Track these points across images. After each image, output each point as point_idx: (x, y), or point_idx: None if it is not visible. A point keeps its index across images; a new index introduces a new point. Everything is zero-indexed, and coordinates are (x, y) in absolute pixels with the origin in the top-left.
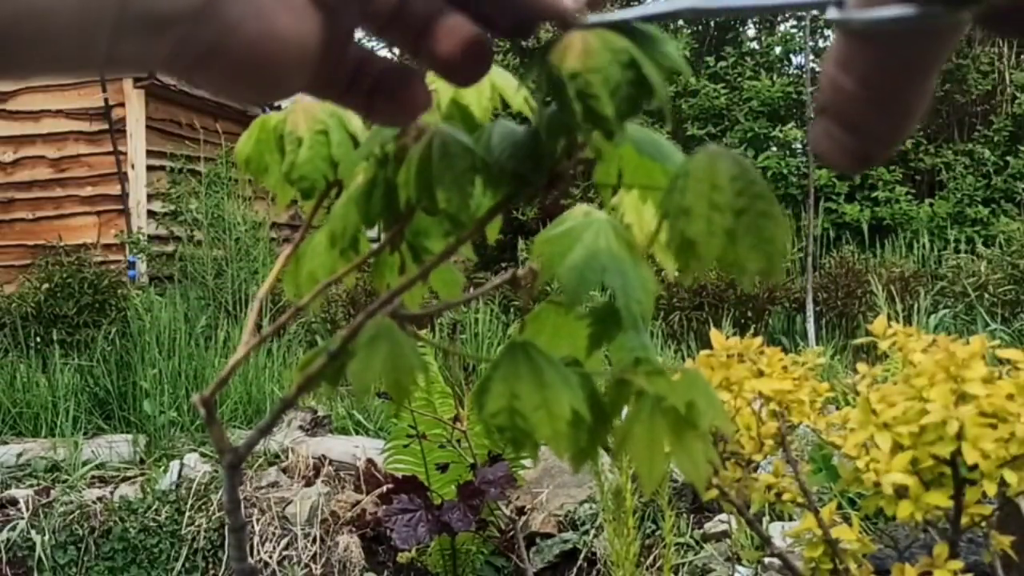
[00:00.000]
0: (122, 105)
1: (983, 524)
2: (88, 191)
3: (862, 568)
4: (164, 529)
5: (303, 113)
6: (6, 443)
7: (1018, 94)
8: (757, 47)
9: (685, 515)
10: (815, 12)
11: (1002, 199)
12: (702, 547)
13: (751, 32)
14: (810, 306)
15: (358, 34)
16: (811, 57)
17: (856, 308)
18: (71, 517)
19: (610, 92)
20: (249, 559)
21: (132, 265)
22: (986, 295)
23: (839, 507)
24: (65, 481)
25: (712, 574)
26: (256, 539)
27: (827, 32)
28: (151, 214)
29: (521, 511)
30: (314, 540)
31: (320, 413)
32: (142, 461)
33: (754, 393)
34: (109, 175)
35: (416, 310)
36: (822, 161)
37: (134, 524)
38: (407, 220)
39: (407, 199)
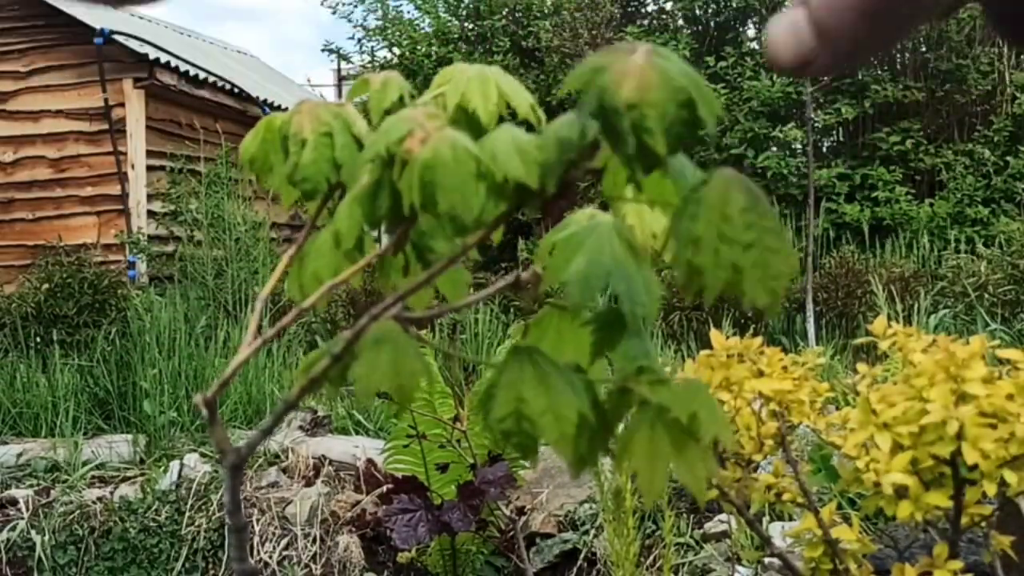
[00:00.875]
0: (122, 105)
1: (983, 524)
2: (88, 191)
3: (862, 568)
4: (164, 529)
5: (308, 115)
6: (6, 443)
7: (1018, 94)
8: (757, 47)
9: (685, 515)
10: None
11: (1002, 199)
12: (702, 547)
13: (751, 32)
14: (810, 306)
15: None
16: None
17: (856, 308)
18: (71, 517)
19: (664, 129)
20: (249, 559)
21: (132, 265)
22: (986, 295)
23: (839, 507)
24: (65, 481)
25: (712, 574)
26: (256, 539)
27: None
28: (151, 214)
29: (521, 511)
30: (314, 540)
31: (320, 413)
32: (142, 461)
33: (754, 393)
34: (109, 175)
35: (421, 312)
36: (769, 56)
37: (134, 524)
38: (411, 223)
39: (411, 203)
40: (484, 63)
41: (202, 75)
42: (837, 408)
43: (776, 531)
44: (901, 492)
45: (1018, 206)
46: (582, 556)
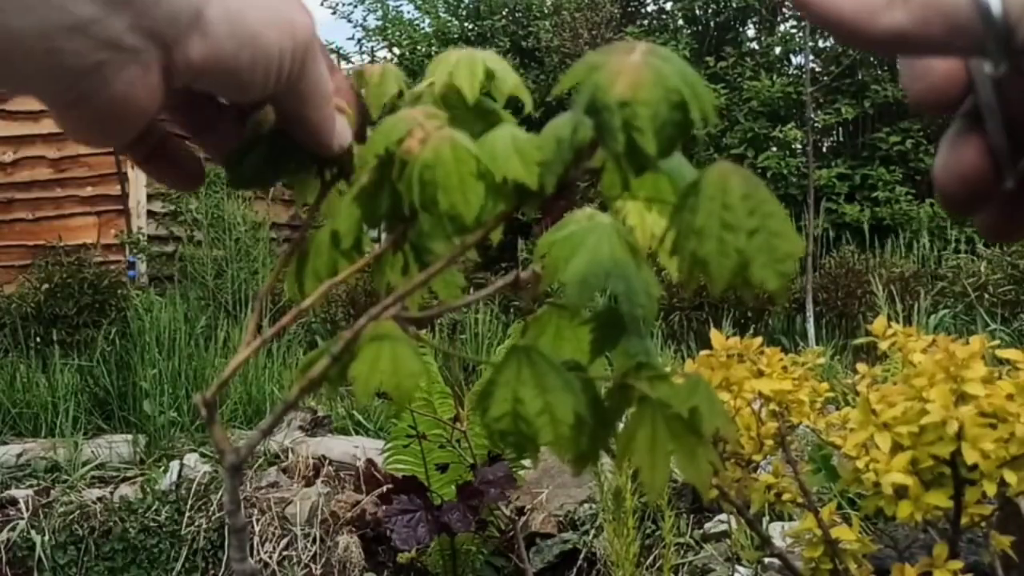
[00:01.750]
0: None
1: (983, 524)
2: (88, 191)
3: (862, 568)
4: (164, 529)
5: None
6: (6, 443)
7: None
8: (757, 47)
9: (685, 515)
10: None
11: None
12: (702, 547)
13: (751, 32)
14: (810, 306)
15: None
16: (811, 57)
17: (856, 308)
18: (71, 517)
19: (655, 129)
20: (249, 559)
21: (132, 265)
22: (986, 295)
23: (839, 507)
24: (65, 481)
25: (712, 574)
26: (256, 539)
27: (827, 32)
28: (151, 214)
29: (521, 511)
30: (314, 540)
31: (320, 413)
32: (142, 461)
33: (754, 393)
34: (109, 175)
35: (415, 311)
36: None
37: (134, 524)
38: (411, 222)
39: (411, 202)
40: None
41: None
42: (837, 408)
43: (776, 531)
44: (901, 492)
45: None
46: (582, 556)
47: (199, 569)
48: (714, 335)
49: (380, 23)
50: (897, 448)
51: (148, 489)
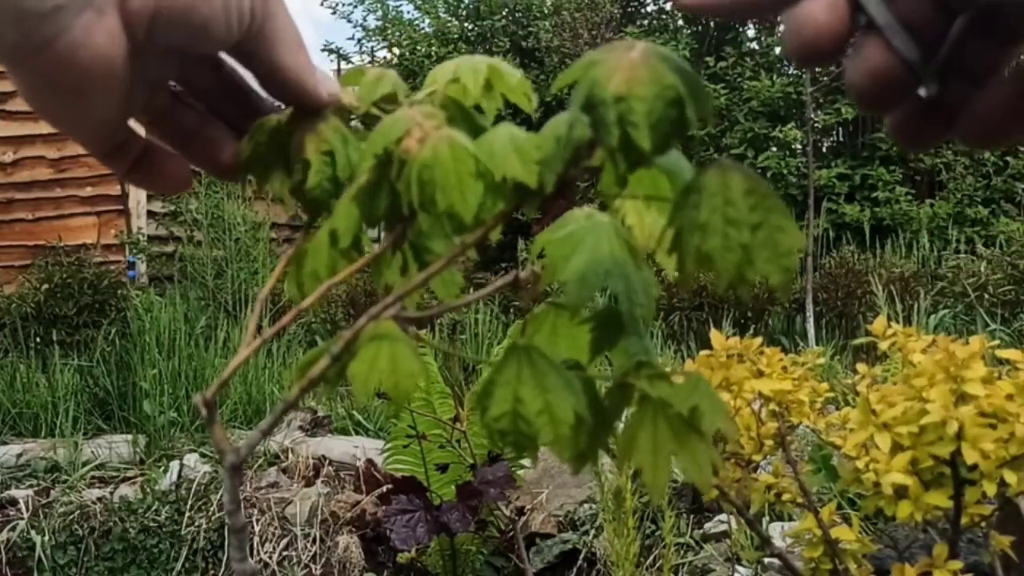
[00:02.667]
0: None
1: (983, 524)
2: (88, 191)
3: (862, 568)
4: (164, 529)
5: (309, 132)
6: (6, 443)
7: None
8: (757, 47)
9: (685, 515)
10: None
11: (1002, 199)
12: (702, 547)
13: (751, 32)
14: (810, 306)
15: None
16: None
17: (856, 308)
18: (71, 517)
19: (651, 125)
20: (249, 559)
21: (132, 265)
22: (986, 295)
23: (839, 507)
24: (65, 481)
25: (712, 574)
26: (256, 539)
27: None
28: (151, 214)
29: (521, 511)
30: (314, 540)
31: (320, 413)
32: (142, 461)
33: (754, 393)
34: (109, 175)
35: (414, 310)
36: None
37: (134, 524)
38: (409, 222)
39: (409, 202)
40: None
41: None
42: (837, 408)
43: (776, 531)
44: (901, 492)
45: (1018, 206)
46: (582, 556)
47: (199, 569)
48: (714, 335)
49: (380, 23)
50: (897, 448)
51: (148, 489)
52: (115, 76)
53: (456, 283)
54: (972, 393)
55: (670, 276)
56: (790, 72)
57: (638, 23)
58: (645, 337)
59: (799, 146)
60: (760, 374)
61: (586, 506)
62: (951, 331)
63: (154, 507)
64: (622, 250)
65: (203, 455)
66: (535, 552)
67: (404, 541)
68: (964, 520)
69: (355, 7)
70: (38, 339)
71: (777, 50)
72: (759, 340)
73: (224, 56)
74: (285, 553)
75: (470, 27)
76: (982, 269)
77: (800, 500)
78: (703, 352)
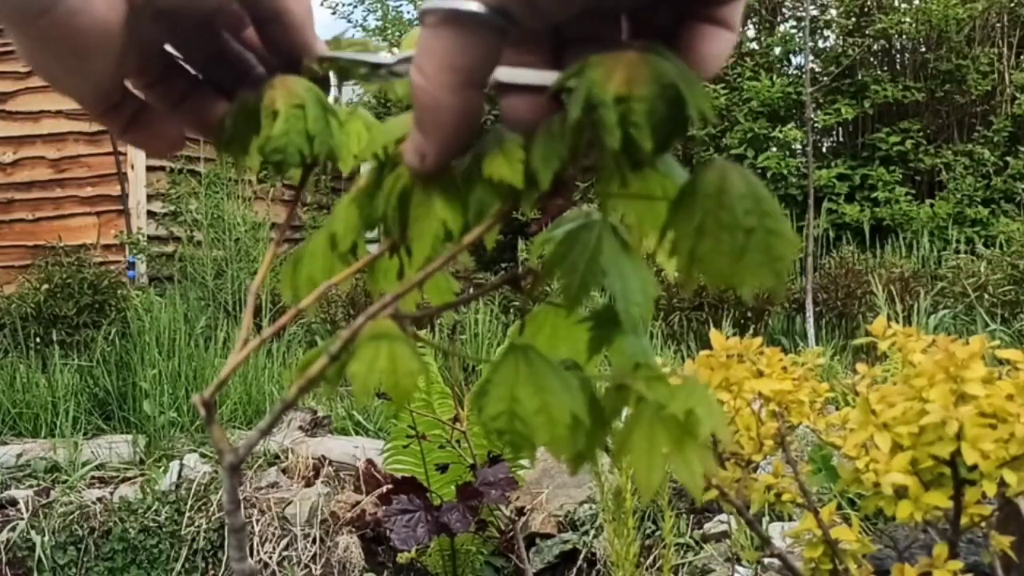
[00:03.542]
0: None
1: (983, 524)
2: (88, 192)
3: (862, 568)
4: (164, 530)
5: (281, 89)
6: (6, 443)
7: (1018, 94)
8: (757, 47)
9: (685, 515)
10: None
11: (1002, 199)
12: (702, 547)
13: (751, 32)
14: (810, 307)
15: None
16: (811, 57)
17: (856, 308)
18: (71, 518)
19: (653, 126)
20: (249, 559)
21: (132, 265)
22: (986, 295)
23: (839, 507)
24: (65, 482)
25: (712, 574)
26: (256, 540)
27: (827, 32)
28: (151, 215)
29: (521, 511)
30: (314, 541)
31: (320, 413)
32: (142, 461)
33: (754, 394)
34: (109, 175)
35: (412, 312)
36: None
37: (134, 524)
38: (407, 225)
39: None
40: None
41: None
42: (837, 408)
43: (776, 531)
44: (901, 492)
45: (1018, 206)
46: (582, 556)
47: (199, 569)
48: (714, 335)
49: (380, 23)
50: (897, 448)
51: (148, 489)
52: (112, 40)
53: (450, 289)
54: (972, 393)
55: (670, 276)
56: (790, 72)
57: None
58: (643, 337)
59: (799, 146)
60: (760, 374)
61: (586, 506)
62: (951, 331)
63: (154, 507)
64: (619, 249)
65: (203, 455)
66: (535, 552)
67: (404, 541)
68: (964, 520)
69: (355, 7)
70: (38, 339)
71: (777, 50)
72: (759, 340)
73: (220, 24)
74: (285, 553)
75: None
76: (982, 269)
77: (800, 500)
78: (703, 352)
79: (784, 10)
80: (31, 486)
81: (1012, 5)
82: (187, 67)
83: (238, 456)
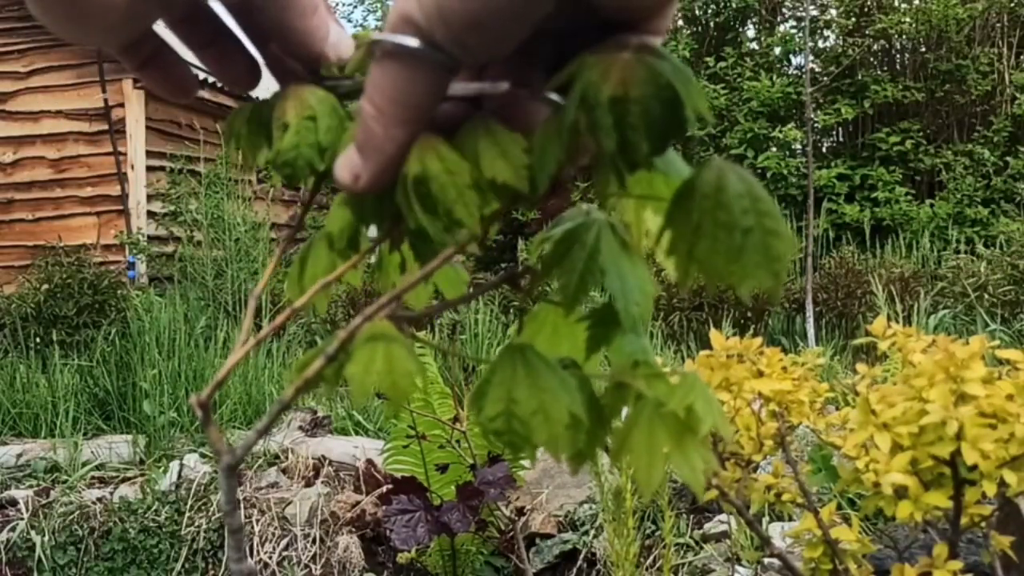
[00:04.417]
0: (122, 105)
1: (983, 524)
2: (88, 192)
3: (862, 568)
4: (164, 530)
5: (292, 99)
6: (6, 443)
7: (1018, 95)
8: (757, 47)
9: (685, 515)
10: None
11: (1002, 199)
12: (702, 547)
13: (751, 32)
14: (810, 307)
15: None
16: (811, 57)
17: (856, 308)
18: (71, 518)
19: (648, 127)
20: (248, 560)
21: (132, 266)
22: (986, 295)
23: (839, 507)
24: (65, 482)
25: (712, 574)
26: (256, 540)
27: (827, 32)
28: (151, 215)
29: (521, 511)
30: (314, 541)
31: (320, 414)
32: (142, 462)
33: (754, 393)
34: (109, 176)
35: (417, 310)
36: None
37: (134, 525)
38: (401, 221)
39: (412, 211)
40: None
41: (202, 75)
42: (837, 408)
43: (776, 531)
44: (901, 492)
45: (1018, 206)
46: (582, 556)
47: (199, 569)
48: (714, 335)
49: (380, 23)
50: (897, 448)
51: (148, 489)
52: None
53: (462, 280)
54: (972, 393)
55: (670, 276)
56: (790, 72)
57: None
58: (643, 336)
59: (799, 146)
60: (760, 374)
61: (586, 506)
62: (951, 331)
63: (154, 507)
64: (618, 247)
65: (203, 455)
66: (535, 552)
67: (404, 541)
68: (964, 520)
69: (355, 7)
70: (38, 339)
71: (777, 50)
72: (759, 340)
73: None
74: (285, 553)
75: None
76: (982, 269)
77: (800, 500)
78: (703, 352)
79: (784, 10)
80: (31, 486)
81: (1012, 5)
82: (215, 15)
83: (235, 457)
